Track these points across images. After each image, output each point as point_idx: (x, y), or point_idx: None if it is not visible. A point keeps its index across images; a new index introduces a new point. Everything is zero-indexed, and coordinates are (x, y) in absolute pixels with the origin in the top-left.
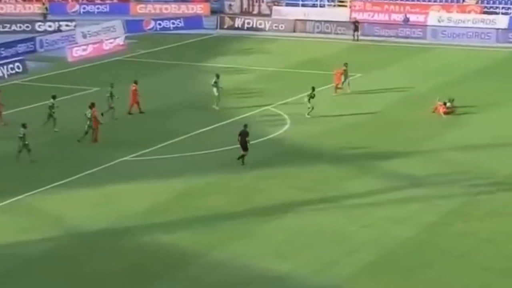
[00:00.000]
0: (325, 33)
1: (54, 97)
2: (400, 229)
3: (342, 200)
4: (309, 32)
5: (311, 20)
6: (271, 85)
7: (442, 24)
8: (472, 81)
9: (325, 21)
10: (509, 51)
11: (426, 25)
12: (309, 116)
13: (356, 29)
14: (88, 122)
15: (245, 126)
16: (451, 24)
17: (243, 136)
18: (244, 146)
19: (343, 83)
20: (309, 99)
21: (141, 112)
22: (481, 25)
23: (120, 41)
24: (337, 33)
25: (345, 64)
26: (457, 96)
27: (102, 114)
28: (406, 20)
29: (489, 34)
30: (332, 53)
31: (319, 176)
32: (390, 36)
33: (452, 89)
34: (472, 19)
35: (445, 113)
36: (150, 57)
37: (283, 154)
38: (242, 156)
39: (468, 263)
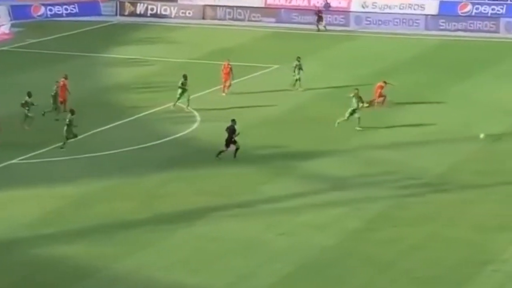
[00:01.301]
0: (238, 20)
1: (29, 95)
2: (321, 236)
3: (257, 205)
4: (220, 19)
5: (222, 6)
6: (178, 78)
7: (366, 10)
8: (400, 72)
9: (238, 7)
10: (440, 39)
11: (349, 11)
12: (360, 129)
13: (320, 19)
14: None
15: (233, 121)
16: (376, 10)
17: (230, 132)
18: (228, 142)
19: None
20: (353, 111)
21: (63, 110)
22: (409, 11)
23: (5, 29)
24: (251, 20)
25: (298, 59)
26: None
27: (43, 114)
28: (327, 5)
29: (417, 21)
30: (245, 42)
31: (232, 179)
32: (310, 23)
33: (378, 81)
34: (399, 4)
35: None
36: (41, 47)
37: (192, 154)
38: (221, 152)
39: (396, 272)
